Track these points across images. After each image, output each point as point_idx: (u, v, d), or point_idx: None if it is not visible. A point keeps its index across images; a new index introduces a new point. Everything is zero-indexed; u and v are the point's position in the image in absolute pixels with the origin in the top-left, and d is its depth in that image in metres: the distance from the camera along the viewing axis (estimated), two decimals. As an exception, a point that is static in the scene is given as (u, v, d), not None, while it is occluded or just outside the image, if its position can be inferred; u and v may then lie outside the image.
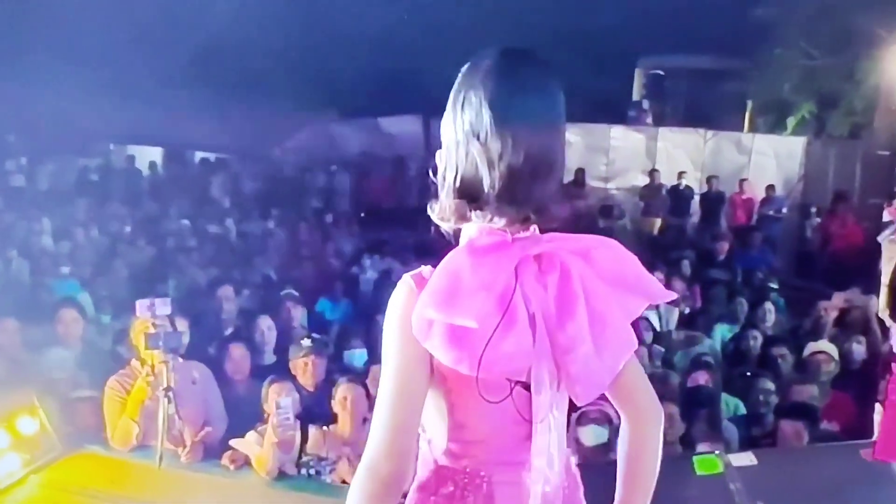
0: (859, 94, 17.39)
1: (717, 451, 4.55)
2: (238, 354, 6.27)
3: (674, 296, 2.06)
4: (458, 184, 1.90)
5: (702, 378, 6.21)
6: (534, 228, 1.94)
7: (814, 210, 16.27)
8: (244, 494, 5.27)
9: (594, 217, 16.58)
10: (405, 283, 1.93)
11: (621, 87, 21.94)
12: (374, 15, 18.62)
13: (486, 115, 1.86)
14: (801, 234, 16.41)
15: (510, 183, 1.85)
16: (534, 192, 1.88)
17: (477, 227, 1.93)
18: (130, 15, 18.37)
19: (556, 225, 1.95)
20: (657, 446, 2.15)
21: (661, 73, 21.16)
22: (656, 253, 12.12)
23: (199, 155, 19.23)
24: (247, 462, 5.44)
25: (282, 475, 5.33)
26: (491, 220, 1.89)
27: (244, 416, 5.72)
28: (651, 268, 7.58)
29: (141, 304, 5.35)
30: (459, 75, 1.95)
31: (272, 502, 5.17)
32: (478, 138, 1.87)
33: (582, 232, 1.95)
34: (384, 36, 18.73)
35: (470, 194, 1.89)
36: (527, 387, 1.93)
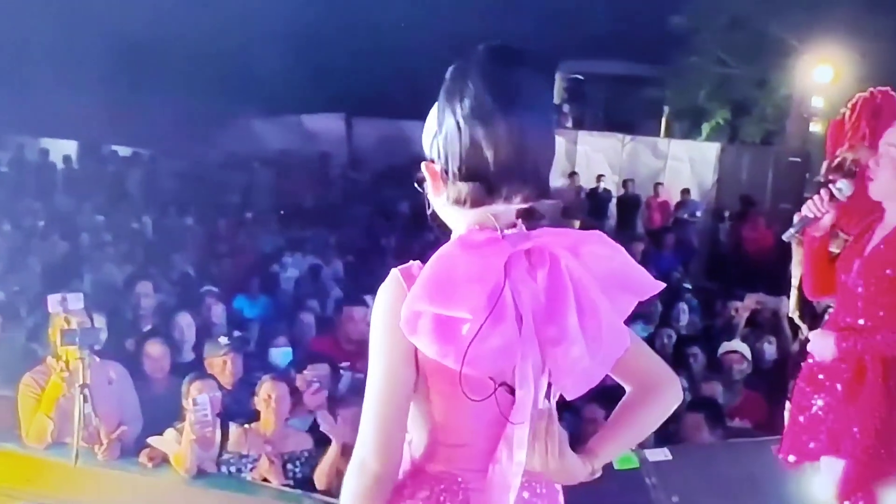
0: (771, 101, 17.89)
1: (633, 447, 4.64)
2: (157, 352, 6.19)
3: (663, 286, 2.06)
4: (464, 169, 1.89)
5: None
6: (521, 225, 1.96)
7: (727, 214, 16.65)
8: (163, 492, 5.24)
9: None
10: (393, 277, 1.94)
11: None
12: (296, 12, 18.48)
13: (488, 99, 1.86)
14: (714, 238, 16.78)
15: (519, 161, 1.86)
16: (540, 171, 1.91)
17: (466, 224, 1.95)
18: (47, 7, 18.00)
19: (544, 221, 2.00)
20: (664, 410, 2.17)
21: (581, 77, 21.43)
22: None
23: (116, 149, 18.84)
24: (165, 460, 5.39)
25: (201, 473, 5.27)
26: (506, 199, 1.89)
27: (164, 413, 5.64)
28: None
29: (52, 299, 5.28)
30: (449, 73, 1.95)
31: (191, 500, 5.13)
32: (481, 121, 1.86)
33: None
34: (308, 33, 18.62)
35: (477, 177, 1.88)
36: (512, 391, 1.91)
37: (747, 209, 15.68)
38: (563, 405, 5.38)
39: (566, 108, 20.85)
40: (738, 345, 6.75)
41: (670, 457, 4.46)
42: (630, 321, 2.05)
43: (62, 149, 18.45)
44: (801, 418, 3.44)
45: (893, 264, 3.24)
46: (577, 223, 17.41)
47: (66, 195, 15.78)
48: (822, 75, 15.44)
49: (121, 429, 5.61)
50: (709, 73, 18.51)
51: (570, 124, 20.19)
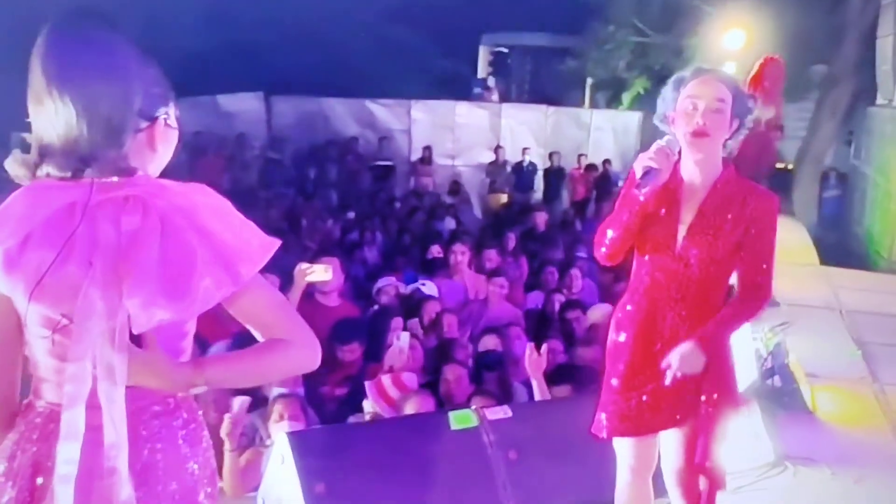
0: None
1: (473, 407, 4.60)
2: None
3: (276, 244, 2.12)
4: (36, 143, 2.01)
5: (491, 342, 6.27)
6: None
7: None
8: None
9: (440, 194, 16.65)
10: None
11: (464, 63, 22.05)
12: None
13: (41, 74, 1.96)
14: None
15: (68, 138, 1.97)
16: (94, 148, 1.98)
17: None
18: None
19: (124, 174, 2.01)
20: (287, 365, 2.23)
21: (505, 50, 21.36)
22: (501, 229, 12.11)
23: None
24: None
25: None
26: (74, 177, 1.98)
27: None
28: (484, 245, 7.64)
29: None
30: None
31: None
32: (39, 98, 1.97)
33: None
34: (221, 9, 18.26)
35: (39, 151, 2.00)
36: None
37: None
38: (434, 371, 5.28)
39: (491, 81, 20.75)
40: (604, 310, 6.74)
41: (510, 414, 4.47)
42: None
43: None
44: None
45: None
46: (503, 197, 17.38)
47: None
48: (733, 41, 15.51)
49: None
50: (627, 43, 18.52)
51: (495, 97, 20.07)
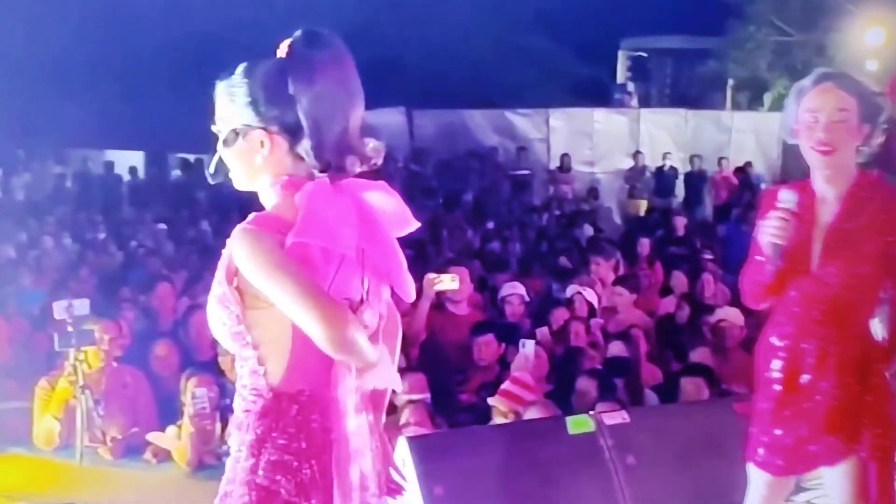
0: (832, 68, 17.39)
1: (591, 412, 4.64)
2: (163, 352, 6.38)
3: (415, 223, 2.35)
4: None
5: (618, 349, 6.31)
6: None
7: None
8: (165, 486, 5.38)
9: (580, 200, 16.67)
10: (253, 229, 2.16)
11: (603, 70, 21.95)
12: (352, 6, 18.61)
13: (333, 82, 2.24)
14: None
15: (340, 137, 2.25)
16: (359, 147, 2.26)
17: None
18: (109, 20, 18.47)
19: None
20: None
21: (644, 54, 21.18)
22: (641, 234, 12.03)
23: (182, 157, 19.23)
24: (169, 456, 5.54)
25: (202, 465, 5.44)
26: None
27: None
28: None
29: (58, 306, 5.48)
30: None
31: (192, 492, 5.24)
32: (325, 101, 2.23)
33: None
34: (363, 27, 18.79)
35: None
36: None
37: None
38: (559, 379, 5.41)
39: (630, 86, 20.59)
40: (726, 312, 6.68)
41: (627, 419, 4.48)
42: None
43: (128, 160, 18.91)
44: None
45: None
46: (643, 203, 17.25)
47: (130, 206, 16.15)
48: (874, 38, 15.03)
49: (132, 430, 5.79)
50: (767, 42, 18.12)
51: (635, 102, 19.90)
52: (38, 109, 16.42)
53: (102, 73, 18.29)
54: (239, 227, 2.16)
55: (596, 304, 7.64)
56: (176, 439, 5.46)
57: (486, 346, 6.24)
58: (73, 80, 17.71)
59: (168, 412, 5.92)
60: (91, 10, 17.81)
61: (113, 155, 19.17)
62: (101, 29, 18.25)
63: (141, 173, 18.94)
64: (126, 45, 18.60)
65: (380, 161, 2.29)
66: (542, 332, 7.14)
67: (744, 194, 16.00)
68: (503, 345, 6.34)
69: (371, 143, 2.27)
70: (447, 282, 6.57)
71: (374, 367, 2.27)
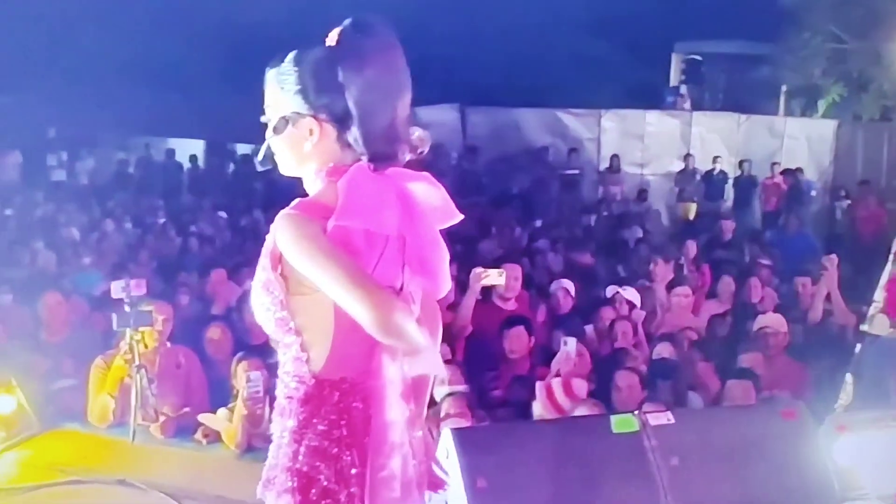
0: (889, 76, 17.20)
1: (636, 412, 4.66)
2: (216, 335, 6.52)
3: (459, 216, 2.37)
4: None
5: (666, 351, 6.32)
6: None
7: (843, 193, 16.11)
8: (213, 467, 5.50)
9: (628, 202, 16.65)
10: (297, 214, 2.17)
11: (657, 72, 21.84)
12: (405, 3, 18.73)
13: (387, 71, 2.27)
14: (830, 217, 16.30)
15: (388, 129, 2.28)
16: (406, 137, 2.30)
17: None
18: (172, 11, 18.73)
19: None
20: None
21: (699, 58, 21.04)
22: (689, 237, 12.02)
23: (239, 147, 19.51)
24: (219, 437, 5.67)
25: (250, 448, 5.55)
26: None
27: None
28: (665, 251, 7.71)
29: (115, 286, 5.62)
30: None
31: (240, 474, 5.35)
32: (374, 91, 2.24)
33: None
34: (418, 24, 18.89)
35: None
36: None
37: (863, 189, 15.18)
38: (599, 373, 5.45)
39: (683, 89, 20.46)
40: (770, 319, 6.69)
41: (673, 420, 4.45)
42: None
43: (189, 148, 19.23)
44: None
45: None
46: (693, 206, 17.19)
47: (190, 193, 16.41)
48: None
49: (183, 410, 5.93)
50: (823, 49, 17.94)
51: (688, 106, 19.78)
52: (103, 98, 16.70)
53: (166, 63, 18.56)
54: (282, 212, 2.16)
55: (637, 304, 7.68)
56: (226, 421, 5.59)
57: (518, 339, 6.30)
58: (137, 71, 18.02)
59: (219, 394, 6.06)
60: (158, 3, 18.10)
61: (174, 143, 19.53)
62: (166, 21, 18.53)
63: (201, 162, 19.24)
64: (188, 37, 18.86)
65: (426, 150, 2.31)
66: (587, 330, 7.21)
67: (792, 200, 15.95)
68: (533, 337, 6.40)
69: (417, 133, 2.29)
70: (494, 277, 6.64)
71: (420, 353, 2.26)
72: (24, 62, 17.16)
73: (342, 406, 2.21)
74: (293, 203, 2.20)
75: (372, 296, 2.07)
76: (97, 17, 17.33)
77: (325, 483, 2.17)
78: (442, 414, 5.09)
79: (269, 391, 5.56)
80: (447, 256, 2.35)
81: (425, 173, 2.30)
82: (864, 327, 5.76)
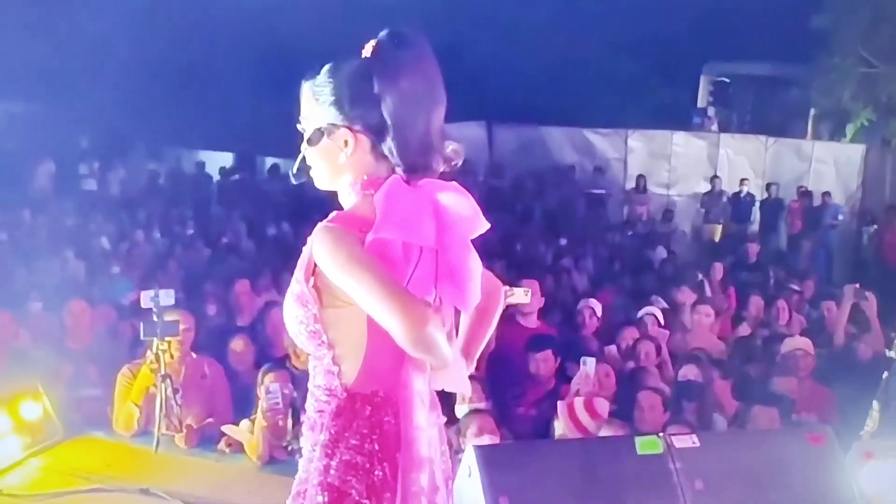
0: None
1: (660, 434, 4.62)
2: (239, 347, 6.57)
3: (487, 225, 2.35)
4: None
5: (691, 373, 6.31)
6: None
7: (870, 218, 16.03)
8: (235, 478, 5.53)
9: (654, 222, 16.64)
10: (335, 227, 2.18)
11: (684, 93, 21.80)
12: (432, 20, 18.84)
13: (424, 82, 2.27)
14: (857, 241, 16.21)
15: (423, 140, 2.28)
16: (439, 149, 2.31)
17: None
18: (203, 25, 18.89)
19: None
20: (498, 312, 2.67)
21: (727, 80, 20.99)
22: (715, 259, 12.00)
23: (270, 159, 19.63)
24: (241, 448, 5.70)
25: (272, 460, 5.58)
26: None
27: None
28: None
29: (145, 295, 5.66)
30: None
31: (262, 486, 5.38)
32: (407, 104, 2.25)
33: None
34: (446, 42, 18.96)
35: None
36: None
37: (890, 214, 15.08)
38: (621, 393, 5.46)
39: (711, 111, 20.42)
40: (799, 342, 6.65)
41: (698, 443, 4.41)
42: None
43: (219, 160, 19.35)
44: None
45: None
46: (719, 227, 17.14)
47: (218, 205, 16.51)
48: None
49: (207, 420, 5.97)
50: (852, 73, 17.87)
51: (715, 127, 19.75)
52: (136, 109, 16.85)
53: (198, 76, 18.70)
54: (320, 224, 2.17)
55: (662, 323, 7.68)
56: (249, 433, 5.61)
57: (545, 362, 6.29)
58: (168, 83, 18.17)
59: (243, 405, 6.09)
60: (192, 16, 18.26)
61: (204, 155, 19.67)
62: (200, 34, 18.68)
63: (230, 173, 19.37)
64: (221, 51, 19.03)
65: (460, 162, 2.31)
66: (610, 349, 7.20)
67: (816, 223, 15.89)
68: (559, 358, 6.41)
69: (451, 145, 2.29)
70: (520, 295, 6.59)
71: (447, 369, 2.26)
72: (57, 72, 17.35)
73: (374, 420, 2.20)
74: (331, 216, 2.21)
75: (407, 308, 2.06)
76: (131, 29, 17.48)
77: (357, 498, 2.16)
78: (472, 430, 5.09)
79: (292, 403, 5.61)
80: (480, 268, 2.33)
81: (453, 183, 2.29)
82: (890, 353, 5.72)
